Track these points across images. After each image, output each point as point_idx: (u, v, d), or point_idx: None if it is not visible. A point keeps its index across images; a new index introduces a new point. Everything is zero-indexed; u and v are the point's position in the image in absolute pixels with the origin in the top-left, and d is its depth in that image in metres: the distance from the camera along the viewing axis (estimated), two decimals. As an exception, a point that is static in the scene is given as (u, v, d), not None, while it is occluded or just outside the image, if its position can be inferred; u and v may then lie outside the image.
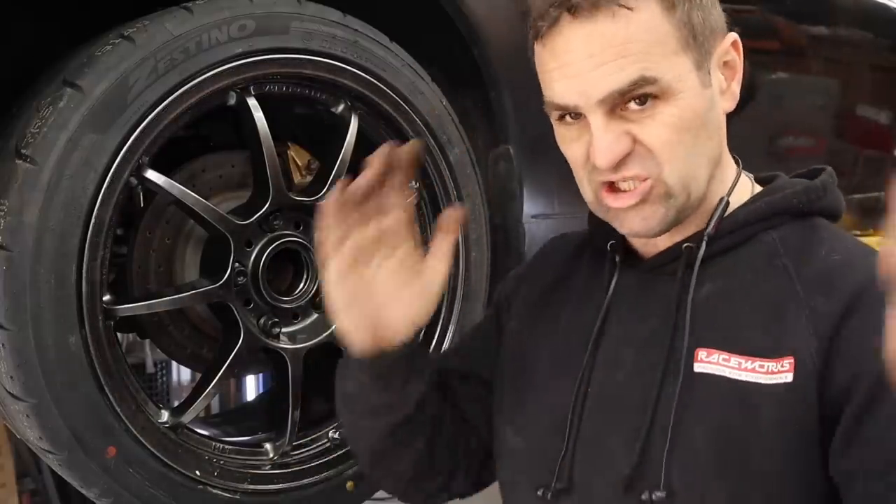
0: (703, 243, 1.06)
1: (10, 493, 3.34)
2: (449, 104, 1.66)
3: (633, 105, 1.01)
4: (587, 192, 1.08)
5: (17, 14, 1.41)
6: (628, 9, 0.99)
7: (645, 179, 1.03)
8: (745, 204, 1.09)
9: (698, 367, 1.02)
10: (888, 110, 3.25)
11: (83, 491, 1.34)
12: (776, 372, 0.98)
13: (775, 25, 2.61)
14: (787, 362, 0.97)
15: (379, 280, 1.08)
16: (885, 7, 3.18)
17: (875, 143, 3.25)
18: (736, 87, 1.09)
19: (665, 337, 1.05)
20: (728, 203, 1.08)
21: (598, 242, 1.18)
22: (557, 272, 1.24)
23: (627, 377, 1.07)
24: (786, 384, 0.97)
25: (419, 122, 1.60)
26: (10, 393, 1.28)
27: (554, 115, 1.07)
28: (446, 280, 1.11)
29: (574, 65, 1.01)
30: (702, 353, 1.02)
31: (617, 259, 1.14)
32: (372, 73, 1.53)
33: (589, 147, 1.03)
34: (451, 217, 1.10)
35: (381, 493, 1.72)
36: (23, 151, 1.25)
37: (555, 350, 1.17)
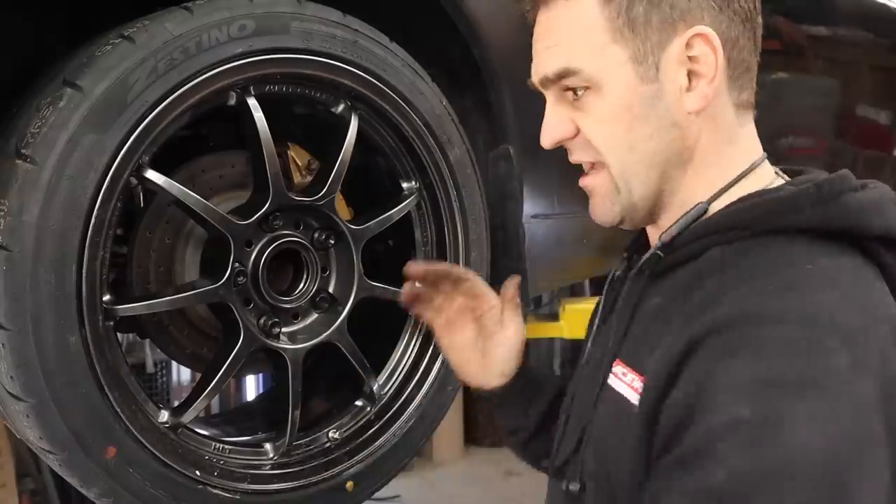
0: (649, 254, 1.04)
1: (10, 493, 3.34)
2: (449, 104, 1.66)
3: (575, 94, 1.03)
4: None
5: (17, 14, 1.41)
6: None
7: (596, 165, 1.06)
8: (714, 214, 1.03)
9: (610, 379, 1.04)
10: (888, 110, 3.25)
11: (83, 491, 1.34)
12: (635, 388, 0.98)
13: (775, 25, 2.61)
14: (640, 381, 0.97)
15: (469, 340, 1.35)
16: (886, 7, 3.18)
17: (875, 144, 3.25)
18: (706, 87, 1.01)
19: (614, 342, 1.07)
20: (706, 209, 1.03)
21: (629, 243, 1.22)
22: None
23: (587, 376, 1.12)
24: (637, 405, 0.95)
25: (419, 122, 1.60)
26: (10, 393, 1.28)
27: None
28: (521, 336, 1.34)
29: (533, 47, 1.07)
30: (616, 367, 1.04)
31: (625, 255, 1.17)
32: (372, 73, 1.53)
33: None
34: (512, 287, 1.32)
35: (381, 493, 1.72)
36: (23, 151, 1.25)
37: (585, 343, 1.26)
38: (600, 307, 1.20)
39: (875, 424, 0.84)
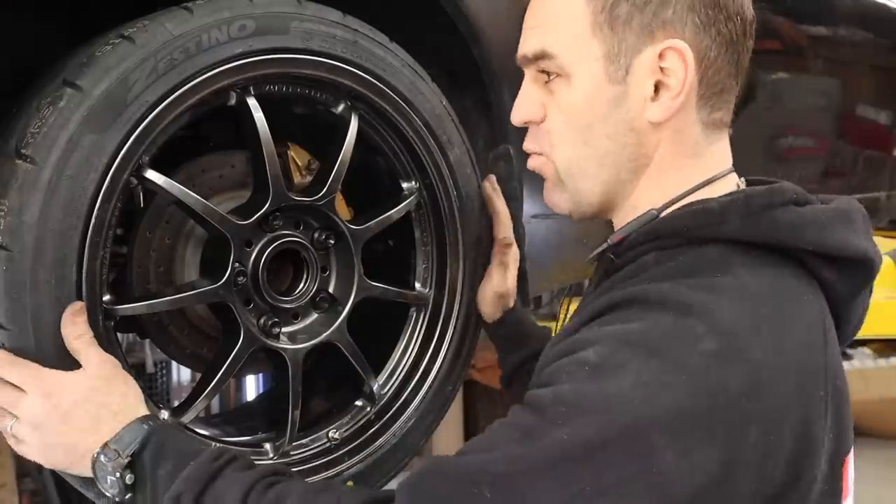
0: (594, 255, 1.11)
1: (10, 493, 3.34)
2: (449, 104, 1.66)
3: (545, 77, 1.06)
4: None
5: (17, 14, 1.41)
6: None
7: (539, 155, 1.07)
8: (653, 221, 1.05)
9: None
10: (888, 110, 3.25)
11: (83, 491, 1.34)
12: None
13: (775, 25, 2.61)
14: None
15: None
16: (885, 7, 3.18)
17: (875, 144, 3.25)
18: (670, 101, 1.02)
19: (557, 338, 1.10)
20: (656, 216, 1.05)
21: None
22: None
23: None
24: None
25: (419, 121, 1.60)
26: (10, 393, 1.28)
27: None
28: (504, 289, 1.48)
29: (524, 24, 1.11)
30: None
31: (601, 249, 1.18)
32: (372, 73, 1.53)
33: None
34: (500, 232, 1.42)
35: (381, 493, 1.72)
36: (23, 151, 1.25)
37: None
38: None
39: (715, 411, 0.87)
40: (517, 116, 1.08)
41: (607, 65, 1.01)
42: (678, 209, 1.04)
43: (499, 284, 1.55)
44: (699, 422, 0.86)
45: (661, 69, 1.01)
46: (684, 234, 1.01)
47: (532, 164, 1.12)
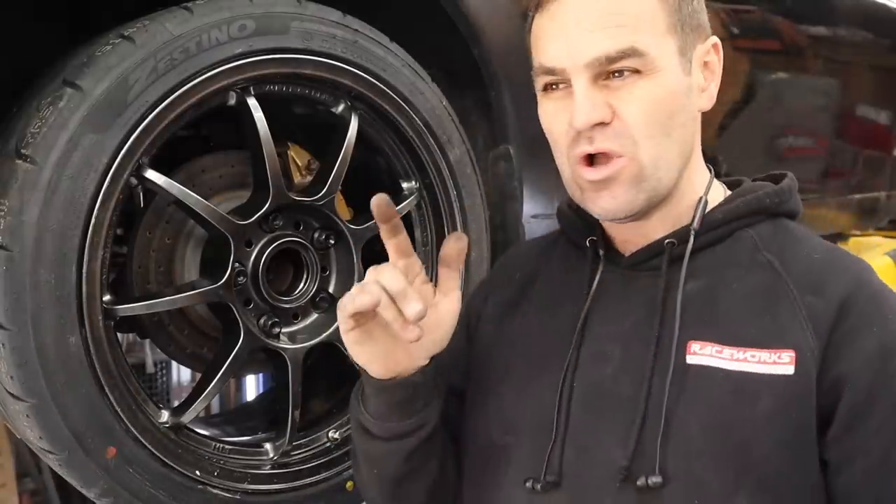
0: (692, 238, 1.09)
1: (10, 493, 3.34)
2: (449, 104, 1.66)
3: (614, 78, 1.05)
4: (565, 168, 1.12)
5: (17, 14, 1.41)
6: None
7: (620, 157, 1.06)
8: (722, 203, 1.14)
9: (691, 360, 1.05)
10: (888, 110, 3.25)
11: (83, 491, 1.34)
12: (773, 363, 1.02)
13: (775, 25, 2.61)
14: (788, 355, 1.02)
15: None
16: (885, 7, 3.18)
17: (875, 143, 3.26)
18: (714, 89, 1.13)
19: (652, 331, 1.07)
20: (707, 202, 1.12)
21: (575, 239, 1.20)
22: (525, 274, 1.27)
23: (616, 371, 1.09)
24: (786, 377, 1.01)
25: (419, 122, 1.60)
26: (10, 393, 1.28)
27: (540, 84, 1.11)
28: (458, 313, 1.12)
29: (568, 27, 1.06)
30: (694, 346, 1.05)
31: (601, 253, 1.16)
32: (372, 73, 1.53)
33: (571, 115, 1.06)
34: (453, 250, 1.10)
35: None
36: (23, 151, 1.25)
37: (533, 348, 1.18)
38: (562, 302, 1.18)
39: None
40: (587, 118, 1.04)
41: (681, 59, 1.08)
42: (737, 193, 1.15)
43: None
44: None
45: (706, 63, 1.12)
46: (768, 209, 1.13)
47: (603, 172, 1.06)
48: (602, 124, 1.05)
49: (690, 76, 1.09)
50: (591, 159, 1.07)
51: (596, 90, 1.05)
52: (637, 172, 1.06)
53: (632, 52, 1.04)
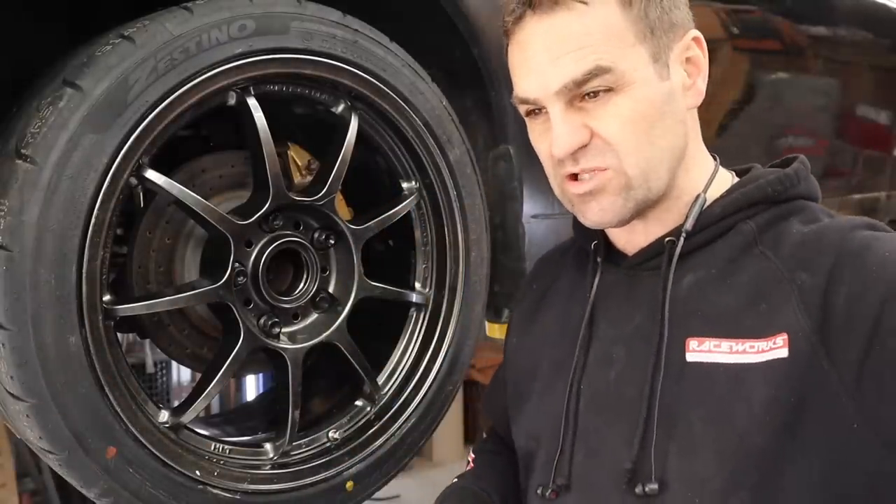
0: (682, 238, 1.09)
1: (10, 493, 3.35)
2: (449, 104, 1.66)
3: (588, 99, 1.05)
4: (555, 185, 1.13)
5: (17, 14, 1.41)
6: (584, 3, 1.03)
7: (604, 170, 1.06)
8: (722, 196, 1.11)
9: (690, 357, 1.05)
10: (888, 110, 3.25)
11: (83, 491, 1.34)
12: (768, 350, 1.00)
13: (775, 25, 2.61)
14: (781, 339, 1.00)
15: None
16: (885, 7, 3.18)
17: (875, 143, 3.25)
18: (702, 84, 1.11)
19: (653, 330, 1.07)
20: (705, 199, 1.11)
21: (582, 244, 1.21)
22: (545, 281, 1.29)
23: (620, 373, 1.10)
24: (781, 360, 0.99)
25: (419, 122, 1.60)
26: (10, 393, 1.28)
27: (522, 110, 1.12)
28: None
29: (534, 58, 1.06)
30: (692, 343, 1.05)
31: (598, 258, 1.16)
32: (372, 73, 1.53)
33: (550, 143, 1.07)
34: None
35: (381, 493, 1.72)
36: (23, 151, 1.25)
37: (551, 354, 1.18)
38: (573, 306, 1.19)
39: None
40: (566, 147, 1.05)
41: (655, 65, 1.06)
42: (738, 185, 1.12)
43: None
44: None
45: (688, 59, 1.09)
46: (770, 197, 1.09)
47: (589, 186, 1.08)
48: (584, 146, 1.05)
49: (670, 79, 1.07)
50: (576, 174, 1.08)
51: (572, 113, 1.06)
52: (624, 183, 1.06)
53: (598, 71, 1.03)
